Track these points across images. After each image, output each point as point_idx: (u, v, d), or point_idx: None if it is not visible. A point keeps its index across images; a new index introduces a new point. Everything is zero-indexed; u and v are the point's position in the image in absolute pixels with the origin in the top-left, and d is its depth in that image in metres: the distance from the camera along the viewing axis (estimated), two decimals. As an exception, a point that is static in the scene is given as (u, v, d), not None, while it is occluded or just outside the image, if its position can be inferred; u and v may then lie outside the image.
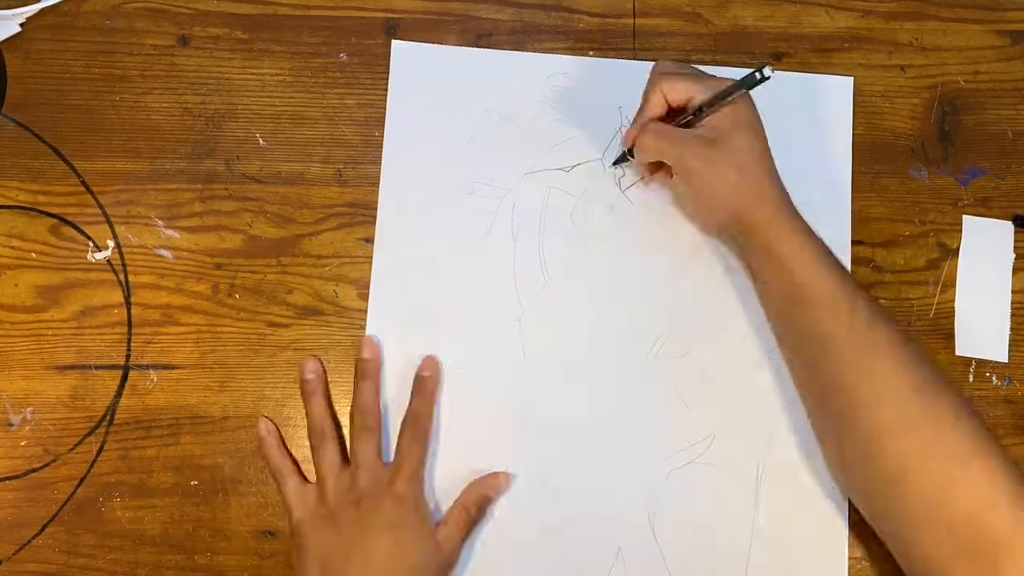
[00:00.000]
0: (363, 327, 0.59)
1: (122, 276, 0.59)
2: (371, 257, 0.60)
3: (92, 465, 0.57)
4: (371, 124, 0.61)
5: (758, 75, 0.50)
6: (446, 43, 0.63)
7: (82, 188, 0.60)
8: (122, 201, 0.60)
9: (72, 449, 0.57)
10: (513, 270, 0.60)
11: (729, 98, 0.52)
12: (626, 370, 0.59)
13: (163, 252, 0.59)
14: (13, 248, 0.59)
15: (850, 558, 0.57)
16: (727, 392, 0.59)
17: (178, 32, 0.62)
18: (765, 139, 0.54)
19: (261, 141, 0.61)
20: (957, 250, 0.62)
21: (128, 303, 0.59)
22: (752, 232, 0.53)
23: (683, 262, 0.60)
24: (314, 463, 0.55)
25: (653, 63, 0.56)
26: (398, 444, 0.55)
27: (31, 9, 0.61)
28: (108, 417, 0.57)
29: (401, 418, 0.56)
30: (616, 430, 0.58)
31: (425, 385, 0.57)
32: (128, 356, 0.58)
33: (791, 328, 0.55)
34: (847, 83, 0.63)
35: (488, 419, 0.58)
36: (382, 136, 0.61)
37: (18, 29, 0.61)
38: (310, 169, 0.61)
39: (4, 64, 0.61)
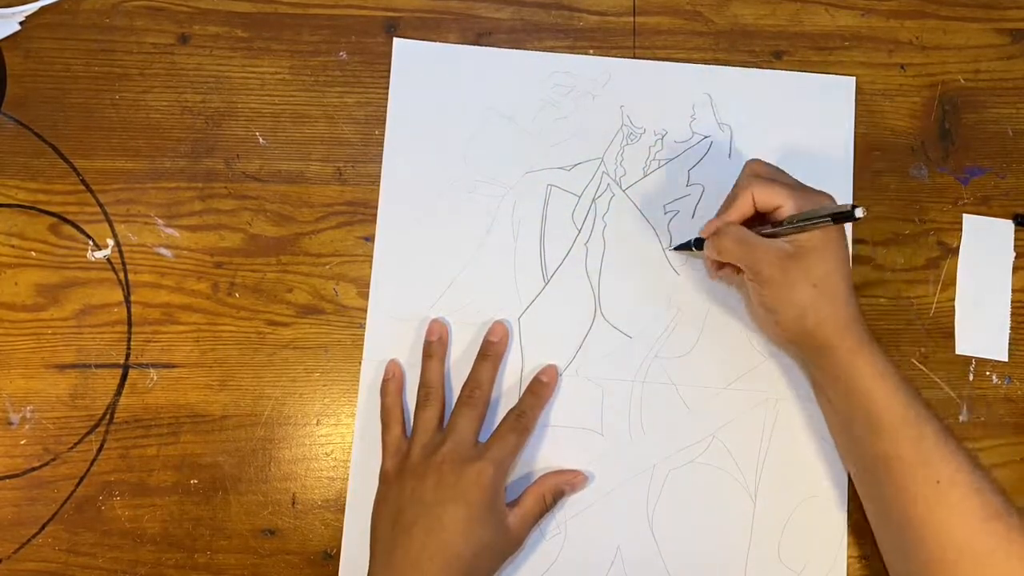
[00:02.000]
0: (363, 325, 0.59)
1: (122, 275, 0.59)
2: (371, 256, 0.60)
3: (92, 464, 0.57)
4: (371, 123, 0.61)
5: (850, 211, 0.49)
6: (446, 41, 0.63)
7: (82, 187, 0.60)
8: (122, 200, 0.60)
9: (72, 448, 0.57)
10: (513, 269, 0.60)
11: (815, 223, 0.51)
12: (626, 370, 0.59)
13: (163, 251, 0.59)
14: (13, 247, 0.59)
15: (849, 557, 0.57)
16: (727, 392, 0.59)
17: (178, 30, 0.62)
18: (847, 265, 0.53)
19: (261, 140, 0.61)
20: (957, 249, 0.62)
21: (128, 302, 0.59)
22: (824, 353, 0.52)
23: (684, 262, 0.60)
24: (414, 419, 0.56)
25: (746, 163, 0.55)
26: (498, 429, 0.55)
27: (31, 7, 0.61)
28: (108, 416, 0.57)
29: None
30: (616, 430, 0.58)
31: (542, 389, 0.57)
32: (128, 355, 0.58)
33: (857, 446, 0.53)
34: (849, 83, 0.63)
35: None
36: (382, 135, 0.61)
37: (18, 27, 0.61)
38: (310, 168, 0.61)
39: (4, 62, 0.61)
